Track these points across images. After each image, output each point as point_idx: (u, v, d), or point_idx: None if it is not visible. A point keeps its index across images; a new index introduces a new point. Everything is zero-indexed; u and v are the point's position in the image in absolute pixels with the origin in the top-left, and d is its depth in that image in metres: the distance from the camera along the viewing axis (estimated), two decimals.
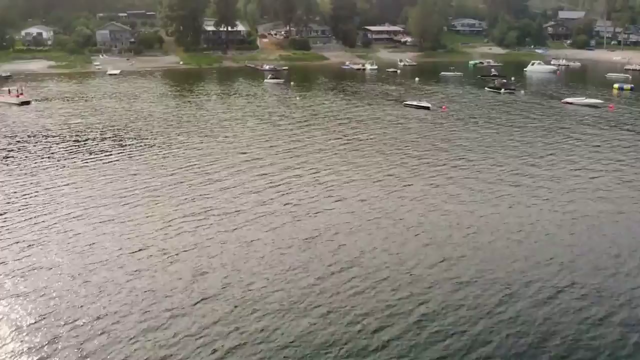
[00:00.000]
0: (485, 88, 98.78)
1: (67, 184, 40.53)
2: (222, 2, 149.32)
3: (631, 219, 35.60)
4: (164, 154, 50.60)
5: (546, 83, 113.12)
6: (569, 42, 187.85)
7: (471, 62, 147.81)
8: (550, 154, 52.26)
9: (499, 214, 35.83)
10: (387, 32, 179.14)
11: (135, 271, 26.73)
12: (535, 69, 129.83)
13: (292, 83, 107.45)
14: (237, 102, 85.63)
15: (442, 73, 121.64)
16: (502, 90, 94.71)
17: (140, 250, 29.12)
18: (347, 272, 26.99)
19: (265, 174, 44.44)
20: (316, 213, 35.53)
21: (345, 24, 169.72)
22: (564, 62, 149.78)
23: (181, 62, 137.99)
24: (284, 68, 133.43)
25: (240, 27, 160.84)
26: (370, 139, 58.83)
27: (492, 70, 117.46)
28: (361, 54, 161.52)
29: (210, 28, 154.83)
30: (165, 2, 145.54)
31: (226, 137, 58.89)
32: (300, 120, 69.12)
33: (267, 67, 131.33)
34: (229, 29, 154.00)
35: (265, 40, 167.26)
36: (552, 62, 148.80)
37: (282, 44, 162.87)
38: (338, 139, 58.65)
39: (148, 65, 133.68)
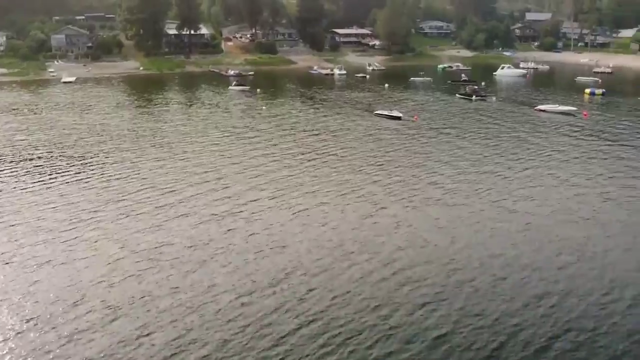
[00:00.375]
0: (456, 95, 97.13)
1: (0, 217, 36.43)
2: (184, 4, 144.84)
3: (620, 245, 33.48)
4: (114, 176, 46.65)
5: (517, 88, 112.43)
6: (536, 44, 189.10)
7: (440, 66, 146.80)
8: (527, 169, 50.25)
9: (480, 243, 33.30)
10: (355, 35, 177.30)
11: (70, 333, 23.11)
12: (505, 73, 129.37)
13: (258, 90, 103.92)
14: (199, 112, 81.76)
15: (412, 78, 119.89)
16: (474, 97, 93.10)
17: (77, 303, 25.47)
18: (317, 326, 23.92)
19: (227, 198, 41.13)
20: (282, 247, 32.39)
21: (312, 27, 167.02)
22: (532, 65, 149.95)
23: (141, 68, 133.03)
24: (249, 73, 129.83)
25: (204, 30, 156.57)
26: (340, 153, 55.97)
27: (462, 75, 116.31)
28: (329, 57, 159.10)
29: (173, 31, 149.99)
30: (124, 5, 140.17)
31: (185, 153, 55.28)
32: (265, 133, 65.88)
33: (232, 73, 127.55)
34: (192, 32, 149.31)
35: (230, 43, 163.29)
36: (520, 65, 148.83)
37: (248, 47, 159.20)
38: (306, 154, 55.63)
39: (106, 71, 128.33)
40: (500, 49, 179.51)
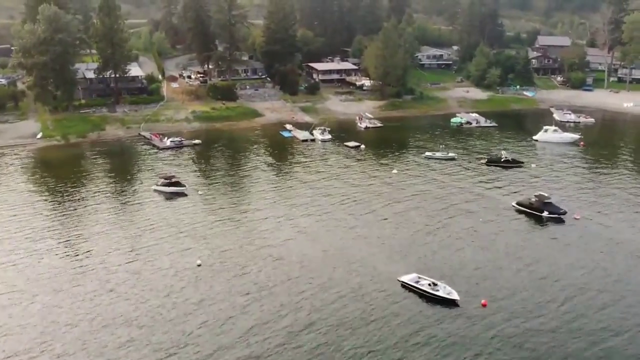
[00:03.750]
0: (513, 205, 64.04)
1: None
2: (105, 40, 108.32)
3: None
4: None
5: (578, 169, 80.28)
6: (559, 78, 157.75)
7: (454, 121, 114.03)
8: None
9: None
10: (338, 71, 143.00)
11: None
12: (550, 138, 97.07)
13: (199, 192, 68.71)
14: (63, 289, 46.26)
15: (427, 154, 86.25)
16: (545, 215, 60.15)
17: None
18: None
19: None
20: None
21: (283, 63, 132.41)
22: (572, 117, 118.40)
23: (40, 135, 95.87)
24: (194, 142, 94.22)
25: (137, 71, 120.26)
26: None
27: (503, 153, 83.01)
28: (306, 105, 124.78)
29: (92, 75, 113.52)
30: (17, 44, 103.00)
31: None
32: None
33: (168, 142, 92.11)
34: (119, 74, 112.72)
35: (174, 85, 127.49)
36: (555, 116, 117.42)
37: (198, 92, 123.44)
38: None
39: None
40: (517, 87, 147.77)
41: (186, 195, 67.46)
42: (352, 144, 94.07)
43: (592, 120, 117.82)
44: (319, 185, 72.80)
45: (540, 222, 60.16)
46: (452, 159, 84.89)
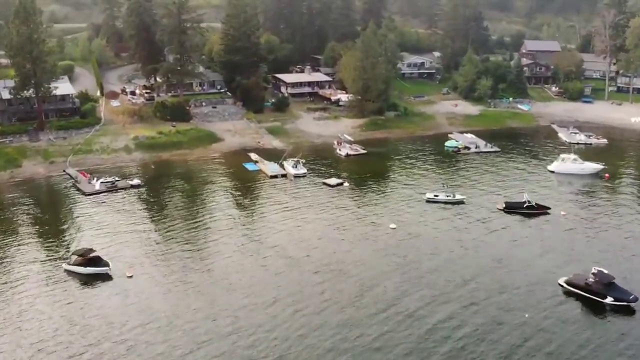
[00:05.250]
0: (561, 284, 47.73)
1: None
2: (22, 53, 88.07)
3: None
4: None
5: (608, 210, 64.60)
6: (554, 88, 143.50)
7: (448, 145, 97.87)
8: None
9: None
10: (310, 83, 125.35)
11: None
12: (568, 169, 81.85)
13: (128, 275, 50.09)
14: None
15: (428, 196, 69.64)
16: (608, 301, 44.18)
17: None
18: None
19: None
20: None
21: (245, 75, 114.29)
22: (581, 137, 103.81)
23: None
24: (132, 183, 75.32)
25: (67, 88, 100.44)
26: None
27: (525, 196, 66.92)
28: (273, 124, 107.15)
29: (8, 96, 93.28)
30: None
31: None
32: None
33: (98, 184, 73.08)
34: (43, 94, 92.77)
35: (115, 103, 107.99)
36: (559, 134, 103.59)
37: (142, 112, 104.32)
38: None
39: None
40: (510, 99, 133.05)
41: (110, 277, 49.10)
42: (332, 181, 76.88)
43: (605, 141, 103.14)
44: (293, 242, 55.94)
45: (602, 313, 44.33)
46: (461, 202, 68.56)
